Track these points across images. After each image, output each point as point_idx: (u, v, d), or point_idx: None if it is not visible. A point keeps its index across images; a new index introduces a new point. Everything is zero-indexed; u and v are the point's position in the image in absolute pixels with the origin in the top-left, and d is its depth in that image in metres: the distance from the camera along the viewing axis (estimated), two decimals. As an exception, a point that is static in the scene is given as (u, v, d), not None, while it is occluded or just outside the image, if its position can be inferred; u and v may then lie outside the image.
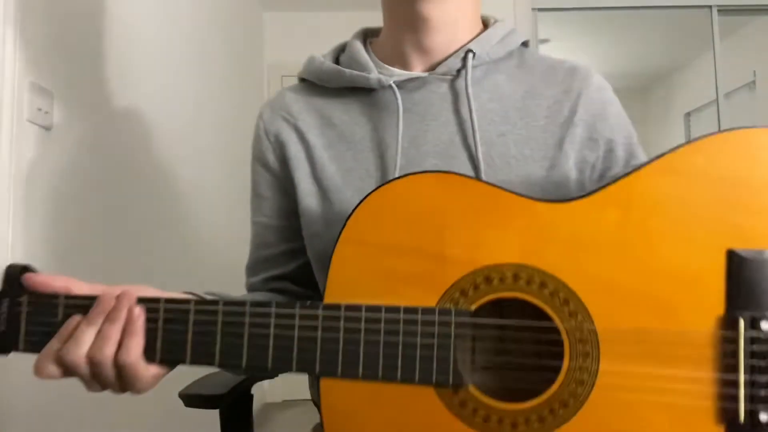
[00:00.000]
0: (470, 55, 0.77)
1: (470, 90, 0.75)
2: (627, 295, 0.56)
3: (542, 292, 0.58)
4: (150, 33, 1.83)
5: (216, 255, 2.34)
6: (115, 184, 1.58)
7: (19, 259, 1.20)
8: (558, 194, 0.70)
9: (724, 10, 3.18)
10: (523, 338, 0.59)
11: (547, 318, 0.58)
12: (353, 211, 0.61)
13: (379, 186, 0.61)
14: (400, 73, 0.79)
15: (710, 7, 3.19)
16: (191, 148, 2.19)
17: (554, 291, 0.57)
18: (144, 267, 1.75)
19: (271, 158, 0.83)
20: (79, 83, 1.39)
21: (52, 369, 0.59)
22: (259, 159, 0.85)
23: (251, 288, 0.87)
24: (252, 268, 0.87)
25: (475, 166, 0.73)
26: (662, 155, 0.58)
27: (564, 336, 0.57)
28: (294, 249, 0.83)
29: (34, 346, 0.61)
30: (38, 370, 0.59)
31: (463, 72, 0.78)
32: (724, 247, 0.56)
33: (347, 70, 0.79)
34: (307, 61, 0.86)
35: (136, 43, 1.72)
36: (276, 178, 0.83)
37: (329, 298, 0.61)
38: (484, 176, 0.72)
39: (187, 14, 2.19)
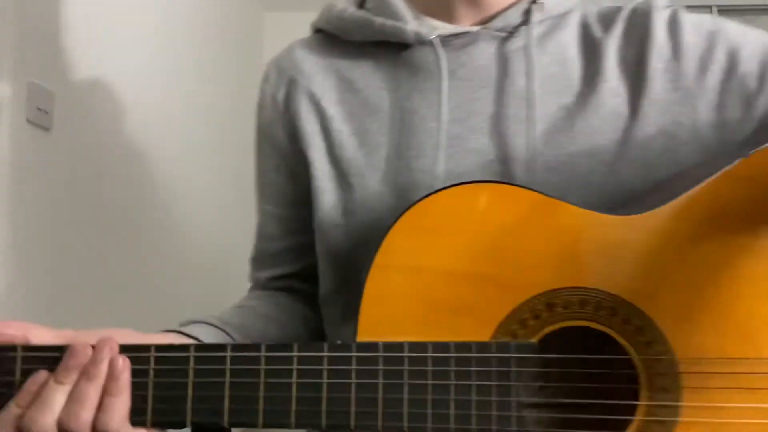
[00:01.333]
0: (535, 6, 0.62)
1: (534, 51, 0.61)
2: (709, 320, 0.49)
3: (613, 320, 0.50)
4: (150, 33, 1.82)
5: (215, 256, 2.29)
6: (114, 184, 1.57)
7: (19, 258, 1.18)
8: (633, 173, 0.59)
9: (724, 10, 3.10)
10: (592, 375, 0.51)
11: (620, 349, 0.50)
12: (388, 230, 0.51)
13: (419, 200, 0.51)
14: (443, 27, 0.64)
15: (710, 7, 3.10)
16: (191, 148, 2.16)
17: (627, 318, 0.50)
18: (142, 268, 1.72)
19: (280, 132, 0.68)
20: (79, 83, 1.39)
21: None
22: (264, 133, 0.71)
23: (255, 283, 0.75)
24: (257, 262, 0.74)
25: (533, 147, 0.59)
26: (736, 163, 0.51)
27: (640, 369, 0.49)
28: (302, 244, 0.70)
29: None
30: None
31: (523, 29, 0.63)
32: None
33: (377, 19, 0.64)
34: (324, 8, 0.70)
35: (136, 43, 1.71)
36: (283, 158, 0.69)
37: (363, 336, 0.50)
38: (540, 159, 0.59)
39: (187, 14, 2.17)
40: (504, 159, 0.60)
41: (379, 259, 0.50)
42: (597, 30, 0.65)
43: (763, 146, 0.51)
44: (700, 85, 0.60)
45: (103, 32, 1.51)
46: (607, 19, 0.65)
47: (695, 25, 0.63)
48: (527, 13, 0.63)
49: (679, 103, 0.60)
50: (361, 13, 0.65)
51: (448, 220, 0.50)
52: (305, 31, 0.74)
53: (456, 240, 0.50)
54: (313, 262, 0.68)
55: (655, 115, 0.60)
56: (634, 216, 0.51)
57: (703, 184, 0.51)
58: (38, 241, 1.24)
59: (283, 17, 3.15)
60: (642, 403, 0.49)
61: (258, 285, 0.74)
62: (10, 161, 1.14)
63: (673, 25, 0.63)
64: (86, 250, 1.43)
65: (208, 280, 2.19)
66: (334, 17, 0.68)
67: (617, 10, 0.65)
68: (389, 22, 0.63)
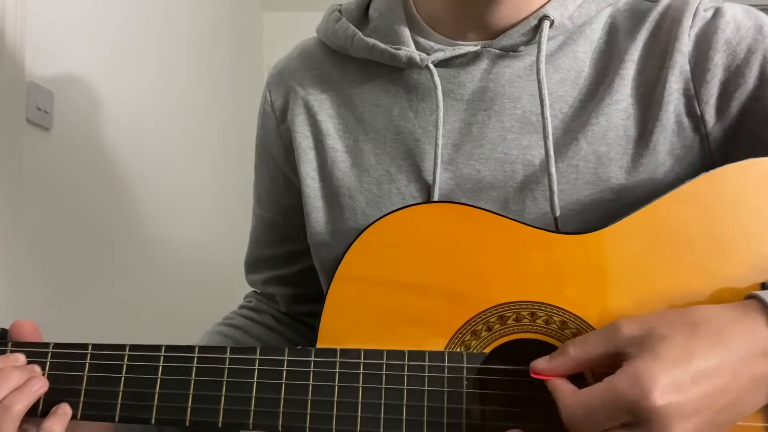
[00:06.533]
0: (546, 23, 0.57)
1: (542, 74, 0.56)
2: (657, 335, 0.51)
3: (563, 333, 0.52)
4: (150, 33, 1.85)
5: (216, 255, 2.31)
6: (114, 184, 1.58)
7: (18, 258, 1.19)
8: (639, 199, 0.55)
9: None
10: (543, 385, 0.52)
11: (571, 362, 0.51)
12: (349, 246, 0.55)
13: (378, 218, 0.55)
14: (441, 47, 0.61)
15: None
16: (191, 148, 2.18)
17: (577, 331, 0.51)
18: (142, 267, 1.71)
19: (276, 142, 0.68)
20: (79, 83, 1.41)
21: None
22: (262, 140, 0.71)
23: (252, 284, 0.78)
24: (252, 266, 0.77)
25: (549, 175, 0.56)
26: (682, 185, 0.54)
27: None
28: (296, 250, 0.72)
29: None
30: None
31: (531, 47, 0.59)
32: (753, 280, 0.51)
33: (369, 41, 0.61)
34: (325, 15, 0.68)
35: (136, 43, 1.74)
36: (280, 167, 0.70)
37: (323, 342, 0.53)
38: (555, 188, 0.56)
39: (187, 14, 2.21)
40: (500, 185, 0.59)
41: (341, 270, 0.54)
42: (622, 34, 0.60)
43: (701, 174, 0.54)
44: (717, 112, 0.57)
45: (102, 32, 1.52)
46: (636, 19, 0.60)
47: (733, 36, 0.56)
48: (536, 29, 0.58)
49: (692, 129, 0.57)
50: (355, 33, 0.63)
51: (407, 236, 0.54)
52: (304, 31, 0.75)
53: (413, 255, 0.54)
54: (308, 265, 0.69)
55: (663, 140, 0.56)
56: (583, 235, 0.53)
57: (649, 205, 0.53)
58: (38, 241, 1.22)
59: (282, 17, 3.20)
60: (593, 416, 0.50)
61: (254, 286, 0.78)
62: (10, 161, 1.13)
63: (704, 37, 0.57)
64: (86, 250, 1.42)
65: (207, 279, 2.19)
66: (331, 34, 0.66)
67: (651, 7, 0.60)
68: (382, 46, 0.61)
